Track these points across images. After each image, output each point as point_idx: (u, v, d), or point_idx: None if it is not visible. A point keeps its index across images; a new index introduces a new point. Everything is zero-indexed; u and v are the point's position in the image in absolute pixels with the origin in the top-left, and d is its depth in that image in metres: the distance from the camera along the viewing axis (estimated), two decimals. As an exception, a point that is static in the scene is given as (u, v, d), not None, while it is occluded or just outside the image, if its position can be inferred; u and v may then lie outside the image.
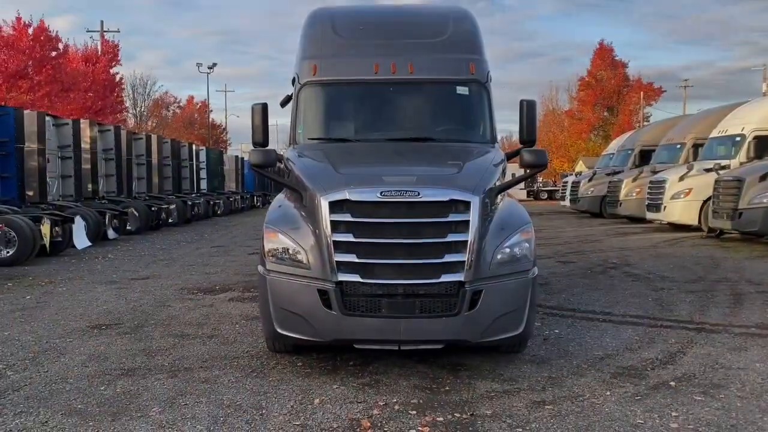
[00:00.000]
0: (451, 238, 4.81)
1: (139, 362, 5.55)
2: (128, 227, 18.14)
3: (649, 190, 19.21)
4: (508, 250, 5.02)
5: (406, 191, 4.81)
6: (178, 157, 27.88)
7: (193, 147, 31.84)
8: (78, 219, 14.39)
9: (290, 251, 4.99)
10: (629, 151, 26.10)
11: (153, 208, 20.15)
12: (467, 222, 4.84)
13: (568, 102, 59.76)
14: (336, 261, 4.79)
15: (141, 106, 52.19)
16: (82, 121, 20.11)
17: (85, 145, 19.56)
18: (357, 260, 4.78)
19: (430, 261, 4.77)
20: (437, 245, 4.80)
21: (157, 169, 25.31)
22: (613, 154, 29.09)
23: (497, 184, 5.40)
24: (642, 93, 52.88)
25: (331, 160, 5.59)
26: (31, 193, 15.87)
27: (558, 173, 55.41)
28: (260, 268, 5.22)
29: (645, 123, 47.01)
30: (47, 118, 17.52)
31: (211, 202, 27.28)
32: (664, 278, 10.12)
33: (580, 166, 40.38)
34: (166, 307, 8.14)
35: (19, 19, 28.84)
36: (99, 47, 37.63)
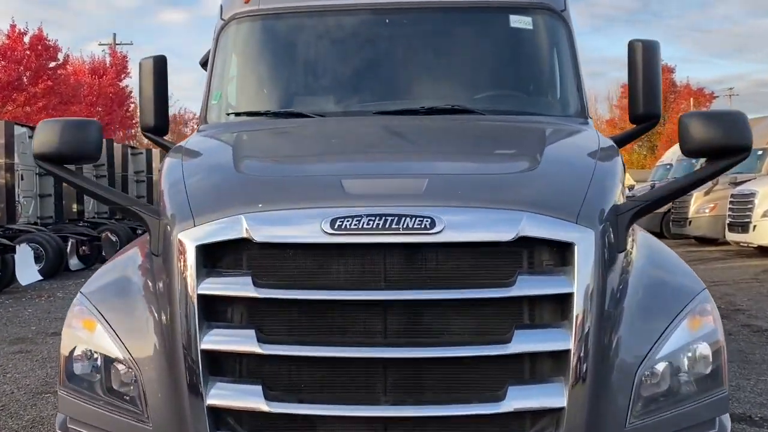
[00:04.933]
0: (524, 343, 1.80)
1: None
2: (103, 254, 15.43)
3: (730, 206, 16.02)
4: (664, 366, 1.88)
5: (403, 216, 1.71)
6: (184, 174, 25.64)
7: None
8: (23, 248, 11.63)
9: (112, 369, 1.91)
10: (693, 161, 22.76)
11: (139, 232, 17.45)
12: (567, 298, 1.70)
13: (608, 111, 56.05)
14: (210, 406, 1.68)
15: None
16: (64, 132, 17.82)
17: (69, 160, 17.32)
18: (267, 407, 1.69)
19: (472, 410, 1.86)
20: (488, 363, 1.89)
21: (159, 187, 23.00)
22: (670, 164, 25.81)
23: (621, 200, 2.24)
24: (692, 99, 49.01)
25: (242, 150, 2.52)
26: (-3, 215, 13.64)
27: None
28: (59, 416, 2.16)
29: (695, 132, 43.19)
30: (22, 129, 15.60)
31: (216, 223, 24.66)
32: (816, 338, 6.75)
33: (627, 180, 36.92)
34: (41, 400, 5.17)
35: (13, 26, 26.83)
36: (107, 59, 35.66)
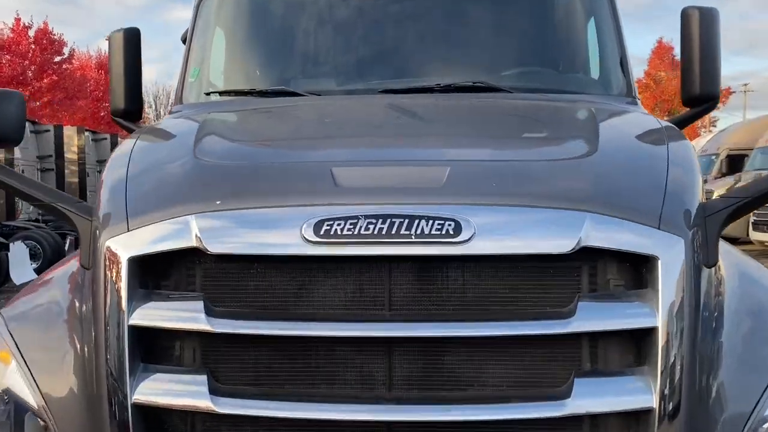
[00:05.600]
0: (587, 398, 1.31)
1: None
2: (104, 252, 15.01)
3: (755, 204, 15.33)
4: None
5: (417, 218, 1.14)
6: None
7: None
8: (17, 246, 11.16)
9: (25, 421, 1.35)
10: (712, 157, 22.27)
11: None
12: (648, 335, 1.21)
13: (624, 107, 55.05)
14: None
15: (164, 117, 50.07)
16: (67, 127, 17.73)
17: (72, 155, 17.20)
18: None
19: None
20: (536, 428, 1.35)
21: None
22: (688, 160, 25.09)
23: (702, 197, 1.64)
24: (708, 94, 47.93)
25: (209, 133, 1.97)
26: (-5, 211, 13.35)
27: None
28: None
29: (711, 127, 42.21)
30: (22, 124, 15.19)
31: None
32: None
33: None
34: None
35: (17, 20, 26.51)
36: (114, 54, 35.42)
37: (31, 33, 27.24)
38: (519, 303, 1.35)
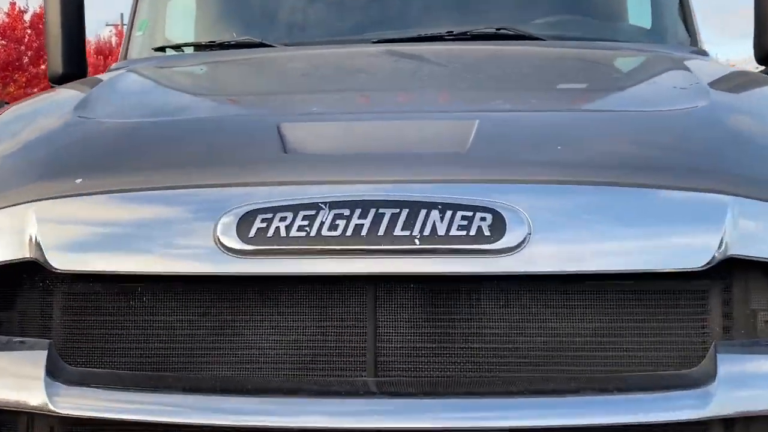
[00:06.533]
0: None
1: None
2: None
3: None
4: None
5: (423, 207, 0.65)
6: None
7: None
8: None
9: None
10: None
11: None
12: None
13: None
14: None
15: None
16: (61, 114, 17.30)
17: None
18: None
19: None
20: None
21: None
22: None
23: None
24: (720, 77, 47.53)
25: (116, 89, 1.33)
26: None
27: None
28: None
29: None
30: (14, 110, 14.92)
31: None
32: None
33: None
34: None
35: (12, 5, 26.09)
36: (113, 40, 35.18)
37: (27, 18, 26.92)
38: (610, 360, 0.75)
